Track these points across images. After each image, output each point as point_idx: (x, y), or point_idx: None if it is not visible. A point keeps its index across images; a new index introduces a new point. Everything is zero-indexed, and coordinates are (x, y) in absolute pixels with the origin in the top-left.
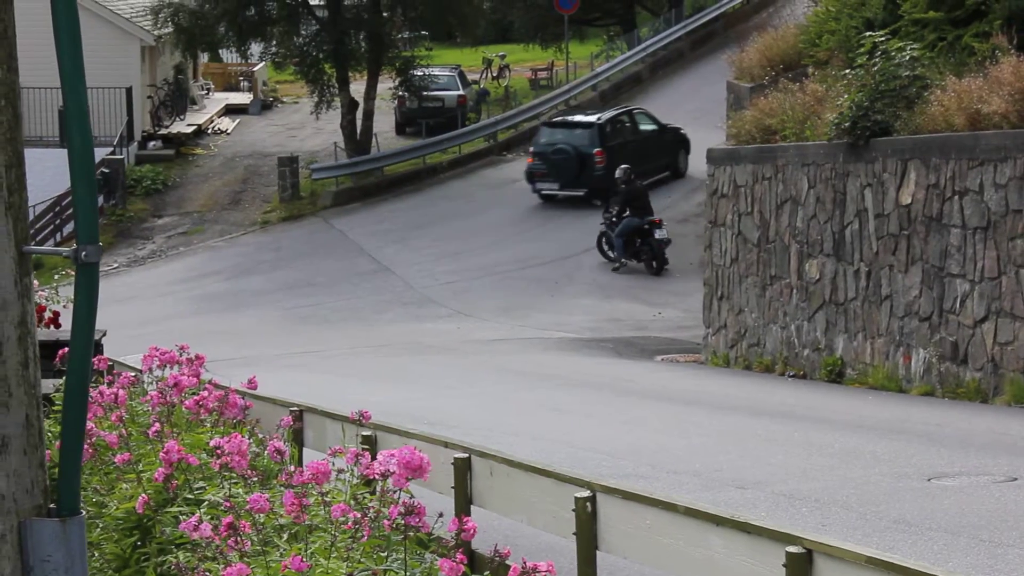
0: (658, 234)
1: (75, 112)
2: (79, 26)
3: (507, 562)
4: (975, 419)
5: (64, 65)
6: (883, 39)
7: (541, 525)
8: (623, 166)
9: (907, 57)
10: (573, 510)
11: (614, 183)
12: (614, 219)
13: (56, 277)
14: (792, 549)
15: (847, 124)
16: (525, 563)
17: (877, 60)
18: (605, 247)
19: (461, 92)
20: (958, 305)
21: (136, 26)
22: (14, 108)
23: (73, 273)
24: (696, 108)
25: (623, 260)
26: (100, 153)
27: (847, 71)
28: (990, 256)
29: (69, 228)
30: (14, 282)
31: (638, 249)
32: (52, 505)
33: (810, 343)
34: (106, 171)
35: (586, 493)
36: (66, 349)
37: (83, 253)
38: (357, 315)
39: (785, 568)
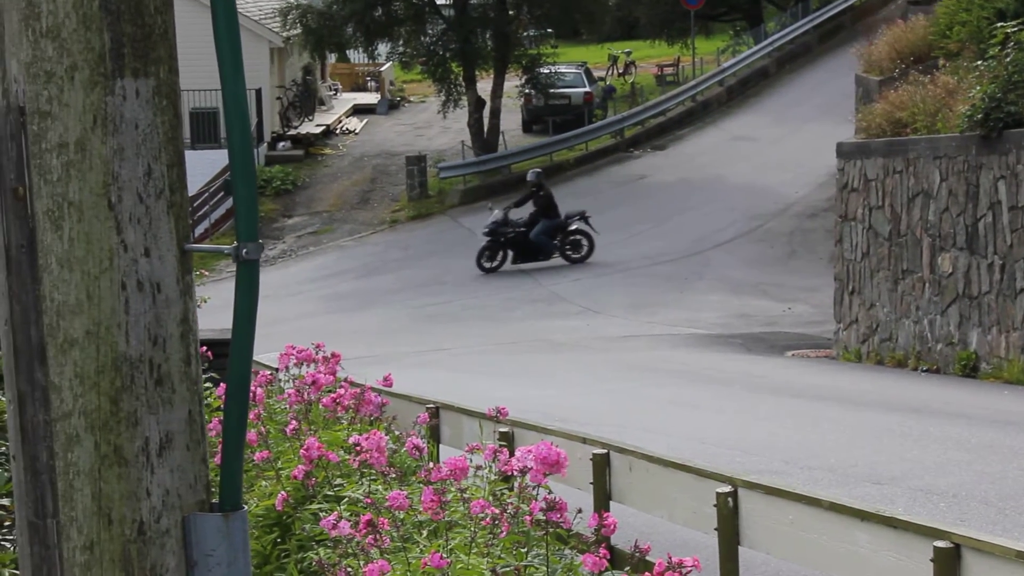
0: (575, 226)
1: (235, 112)
2: (238, 28)
3: (648, 558)
4: None
5: (224, 67)
6: (1015, 29)
7: (682, 521)
8: (536, 170)
9: None
10: (715, 505)
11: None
12: (522, 227)
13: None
14: (940, 544)
15: (979, 116)
16: (671, 558)
17: (1010, 50)
18: (484, 260)
19: (587, 89)
20: None
21: (265, 28)
22: (175, 108)
23: (207, 273)
24: (824, 102)
25: (552, 256)
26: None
27: (979, 62)
28: None
29: (200, 229)
30: (176, 280)
31: (562, 244)
32: (214, 500)
33: (943, 337)
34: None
35: (728, 488)
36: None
37: (244, 250)
38: (486, 313)
39: (933, 563)
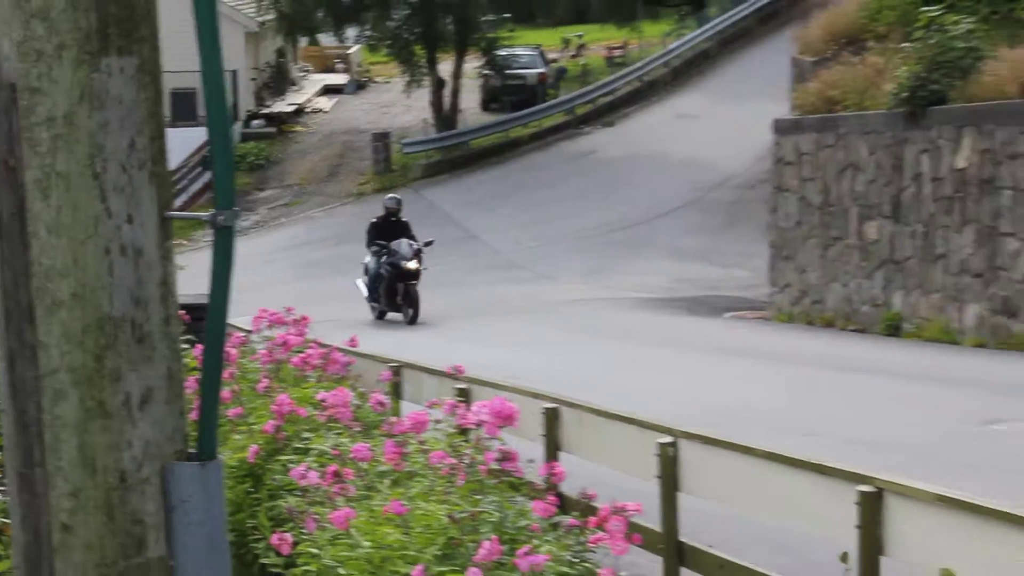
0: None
1: (214, 90)
2: (217, 11)
3: (594, 504)
4: None
5: (204, 48)
6: (939, 13)
7: (626, 469)
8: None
9: (962, 30)
10: (656, 455)
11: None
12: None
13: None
14: (865, 488)
15: (905, 94)
16: (615, 503)
17: (933, 33)
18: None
19: (541, 70)
20: (1009, 262)
21: (240, 13)
22: (157, 85)
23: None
24: (762, 82)
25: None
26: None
27: (905, 44)
28: None
29: (179, 202)
30: (157, 245)
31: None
32: (192, 451)
33: (869, 299)
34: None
35: (669, 439)
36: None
37: (220, 217)
38: (447, 279)
39: (858, 505)
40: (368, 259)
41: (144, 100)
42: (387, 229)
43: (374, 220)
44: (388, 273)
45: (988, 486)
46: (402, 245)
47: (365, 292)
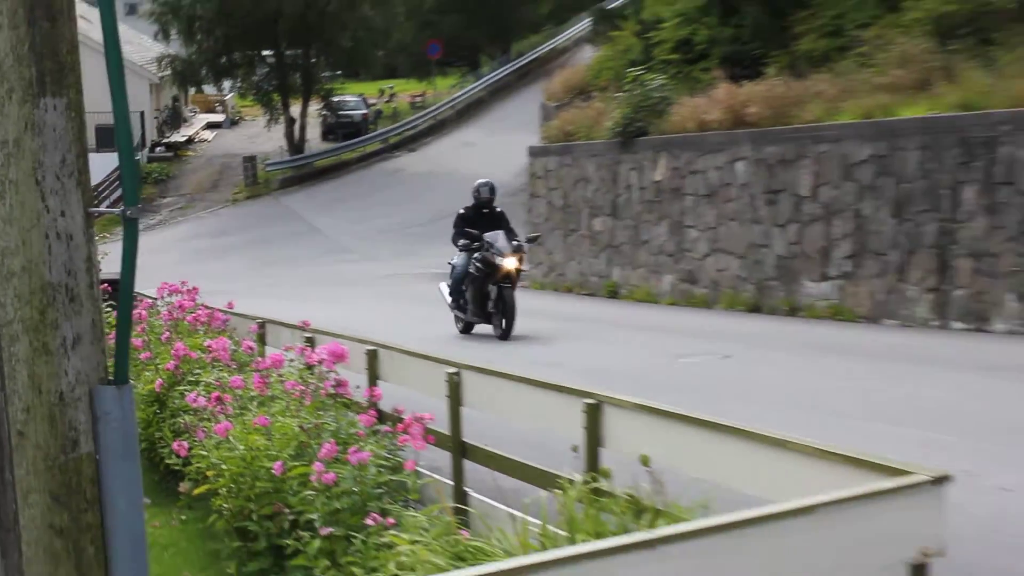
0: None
1: (121, 122)
2: (123, 66)
3: (401, 416)
4: (704, 319)
5: (113, 89)
6: (641, 72)
7: (424, 391)
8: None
9: (657, 84)
10: (446, 381)
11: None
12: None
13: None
14: (589, 401)
15: (619, 129)
16: (415, 415)
17: (637, 86)
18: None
19: (364, 111)
20: (691, 246)
21: (146, 70)
22: (81, 118)
23: (108, 236)
24: (521, 120)
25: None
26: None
27: (618, 94)
28: (711, 213)
29: (101, 208)
30: (83, 232)
31: None
32: (111, 378)
33: (596, 273)
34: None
35: (454, 370)
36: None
37: (128, 212)
38: (298, 261)
39: (584, 413)
40: (456, 258)
41: (72, 128)
42: (479, 222)
43: (461, 211)
44: (479, 272)
45: (678, 399)
46: (499, 238)
47: (448, 298)
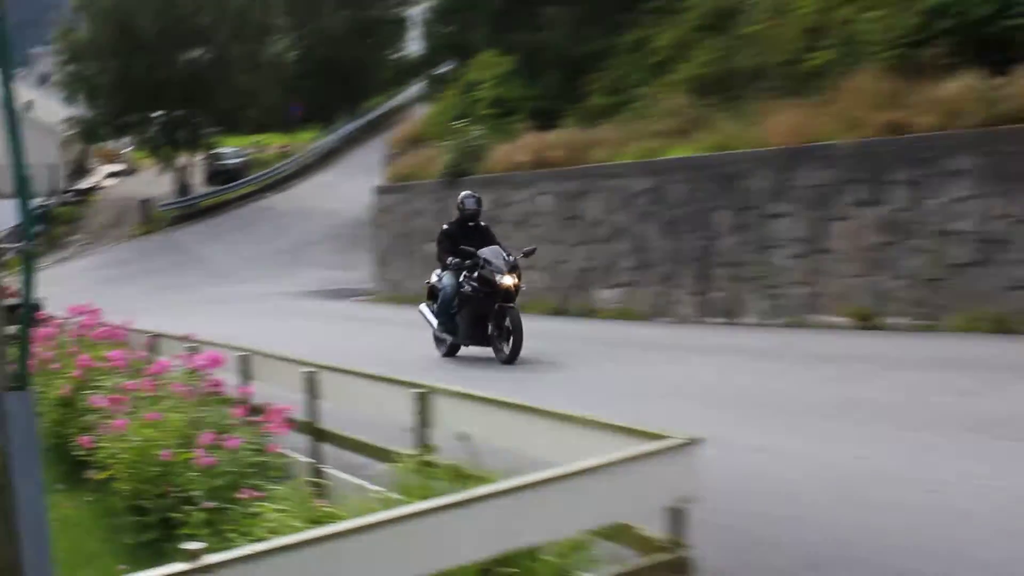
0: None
1: (18, 173)
2: (22, 129)
3: (268, 408)
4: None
5: (13, 147)
6: (463, 125)
7: (287, 388)
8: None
9: (476, 134)
10: (305, 379)
11: None
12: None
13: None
14: (418, 391)
15: (447, 170)
16: (279, 407)
17: (461, 136)
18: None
19: (240, 160)
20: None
21: (55, 129)
22: None
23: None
24: (367, 164)
25: None
26: (37, 201)
27: (446, 142)
28: (522, 236)
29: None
30: None
31: None
32: (15, 384)
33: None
34: (42, 210)
35: (311, 369)
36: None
37: (28, 246)
38: (187, 285)
39: (415, 400)
40: (436, 277)
41: None
42: (467, 238)
43: (445, 227)
44: (476, 292)
45: (459, 384)
46: (495, 254)
47: (433, 321)
